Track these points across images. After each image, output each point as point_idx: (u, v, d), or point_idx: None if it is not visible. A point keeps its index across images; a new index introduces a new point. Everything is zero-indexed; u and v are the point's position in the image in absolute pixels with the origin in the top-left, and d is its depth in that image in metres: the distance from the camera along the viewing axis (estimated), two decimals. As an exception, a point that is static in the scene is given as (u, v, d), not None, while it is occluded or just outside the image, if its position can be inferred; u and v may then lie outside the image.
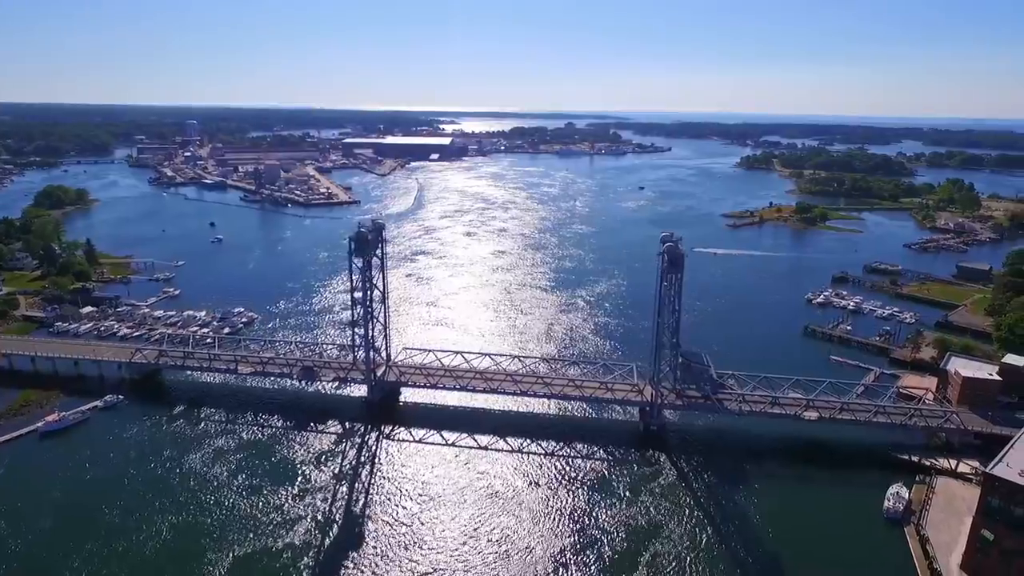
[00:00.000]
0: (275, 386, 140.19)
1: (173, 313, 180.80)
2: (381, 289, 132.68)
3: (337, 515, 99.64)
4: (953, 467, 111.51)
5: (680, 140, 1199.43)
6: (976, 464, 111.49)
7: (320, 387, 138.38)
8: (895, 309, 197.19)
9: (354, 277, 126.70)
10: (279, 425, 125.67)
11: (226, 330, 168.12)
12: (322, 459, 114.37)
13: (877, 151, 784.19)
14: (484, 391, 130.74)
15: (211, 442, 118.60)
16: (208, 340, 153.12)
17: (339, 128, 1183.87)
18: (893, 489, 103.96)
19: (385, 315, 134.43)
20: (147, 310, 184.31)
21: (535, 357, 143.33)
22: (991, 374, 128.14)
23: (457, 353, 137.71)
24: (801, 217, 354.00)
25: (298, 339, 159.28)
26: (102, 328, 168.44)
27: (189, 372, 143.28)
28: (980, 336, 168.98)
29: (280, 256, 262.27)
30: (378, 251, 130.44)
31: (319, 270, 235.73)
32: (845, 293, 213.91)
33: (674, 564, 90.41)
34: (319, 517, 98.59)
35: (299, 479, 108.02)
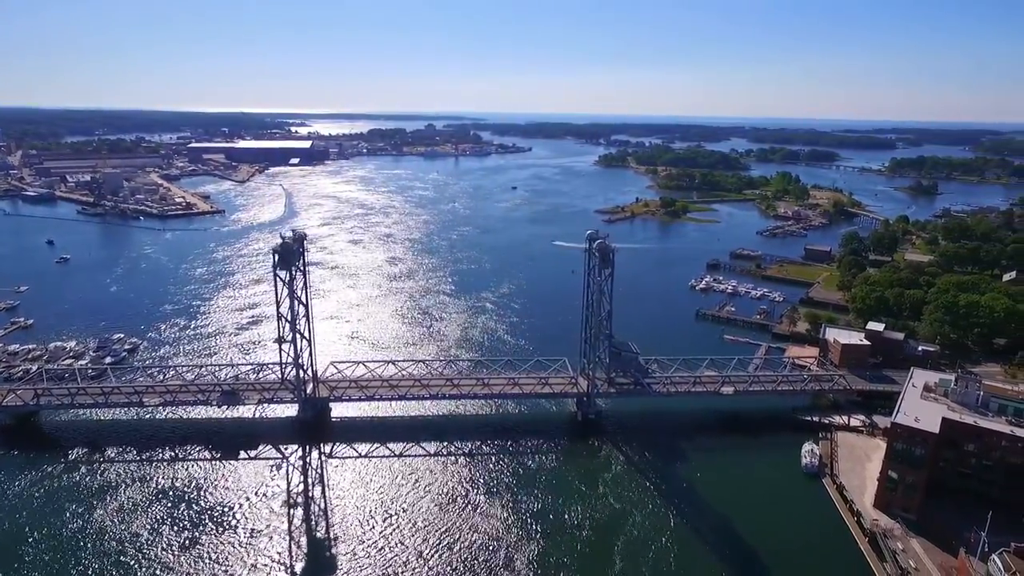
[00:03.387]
0: (189, 416, 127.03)
1: (33, 346, 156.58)
2: (304, 302, 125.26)
3: (293, 551, 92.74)
4: (847, 423, 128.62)
5: (537, 140, 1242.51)
6: (863, 418, 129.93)
7: (241, 411, 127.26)
8: (765, 290, 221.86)
9: (279, 290, 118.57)
10: (203, 459, 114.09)
11: (108, 359, 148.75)
12: (261, 491, 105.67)
13: (713, 148, 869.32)
14: (423, 398, 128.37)
15: (124, 490, 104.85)
16: (92, 373, 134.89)
17: (176, 132, 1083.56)
18: (807, 447, 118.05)
19: (310, 329, 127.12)
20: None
21: (468, 360, 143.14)
22: (861, 340, 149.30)
23: (388, 362, 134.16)
24: (666, 211, 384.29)
25: (209, 363, 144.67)
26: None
27: (79, 411, 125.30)
28: (838, 308, 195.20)
29: (146, 274, 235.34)
30: (300, 263, 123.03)
31: (200, 287, 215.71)
32: (721, 278, 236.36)
33: (647, 545, 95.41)
34: (273, 557, 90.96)
35: (241, 519, 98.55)
